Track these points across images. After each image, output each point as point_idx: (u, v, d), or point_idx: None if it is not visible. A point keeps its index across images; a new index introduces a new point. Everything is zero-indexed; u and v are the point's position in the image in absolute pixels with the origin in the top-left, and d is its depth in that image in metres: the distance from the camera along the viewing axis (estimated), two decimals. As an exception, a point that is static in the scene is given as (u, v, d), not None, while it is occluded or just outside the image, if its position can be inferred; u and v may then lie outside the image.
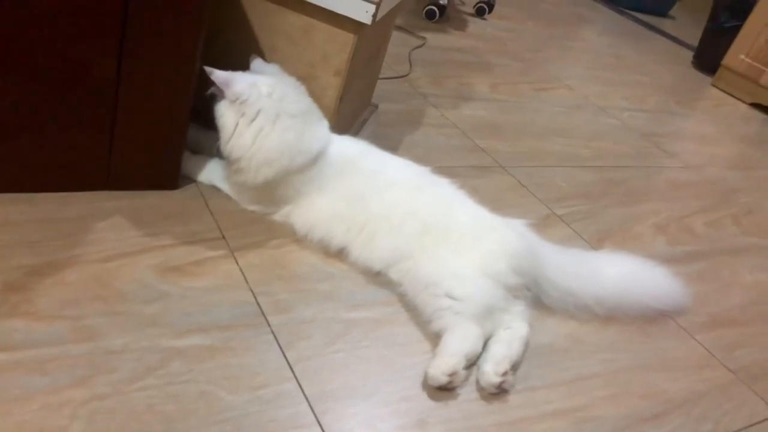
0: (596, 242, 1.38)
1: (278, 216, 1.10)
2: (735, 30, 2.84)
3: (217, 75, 1.01)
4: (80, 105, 0.95)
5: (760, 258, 1.55)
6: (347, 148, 1.13)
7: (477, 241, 1.03)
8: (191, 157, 1.13)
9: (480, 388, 0.91)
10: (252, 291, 0.95)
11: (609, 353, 1.07)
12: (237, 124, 1.03)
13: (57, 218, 0.96)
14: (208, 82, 1.02)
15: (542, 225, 1.37)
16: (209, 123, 1.10)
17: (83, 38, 0.90)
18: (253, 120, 1.03)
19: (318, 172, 1.07)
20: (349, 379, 0.86)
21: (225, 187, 1.12)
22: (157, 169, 1.07)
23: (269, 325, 0.90)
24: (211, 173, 1.13)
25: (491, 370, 0.90)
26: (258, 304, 0.93)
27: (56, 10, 0.86)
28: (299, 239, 1.08)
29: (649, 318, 1.18)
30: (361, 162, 1.11)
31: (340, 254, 1.07)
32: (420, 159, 1.16)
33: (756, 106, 2.78)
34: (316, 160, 1.07)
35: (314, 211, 1.07)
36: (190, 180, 1.13)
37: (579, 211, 1.49)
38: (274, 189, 1.07)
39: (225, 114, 1.04)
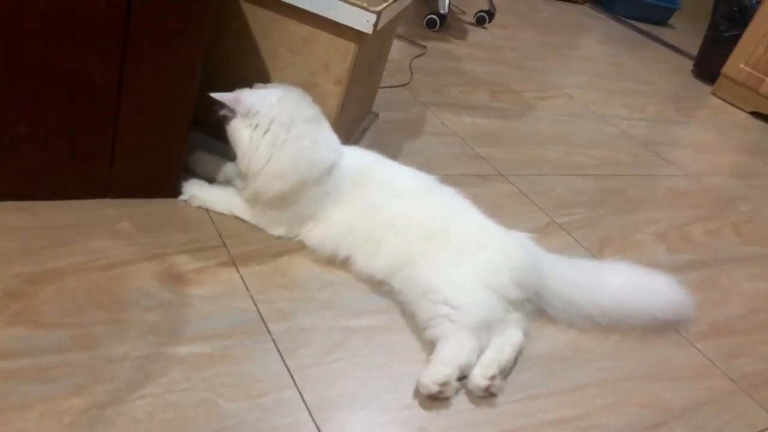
0: (596, 250, 1.38)
1: (302, 236, 1.08)
2: (734, 39, 2.85)
3: (225, 95, 1.01)
4: (82, 113, 0.95)
5: (761, 267, 1.55)
6: (359, 159, 1.13)
7: (480, 251, 1.03)
8: (205, 186, 1.11)
9: (469, 392, 0.91)
10: (252, 299, 0.95)
11: (609, 362, 1.06)
12: (251, 138, 1.02)
13: (58, 226, 0.96)
14: (217, 104, 1.02)
15: (542, 233, 1.37)
16: (211, 131, 1.11)
17: (85, 46, 0.90)
18: (267, 130, 1.01)
19: (335, 184, 1.06)
20: (349, 386, 0.86)
21: (247, 215, 1.09)
22: (159, 176, 1.07)
23: (269, 333, 0.90)
24: (230, 204, 1.09)
25: (479, 373, 0.90)
26: (258, 311, 0.93)
27: (58, 18, 0.87)
28: (300, 247, 1.08)
29: (650, 327, 1.18)
30: (373, 173, 1.11)
31: (343, 263, 1.07)
32: (420, 167, 1.16)
33: (756, 114, 2.79)
34: (330, 170, 1.06)
35: (332, 225, 1.06)
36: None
37: (579, 219, 1.49)
38: (294, 205, 1.06)
39: (238, 130, 1.02)
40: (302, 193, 1.04)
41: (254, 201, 1.07)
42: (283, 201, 1.05)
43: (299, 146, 1.03)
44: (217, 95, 1.01)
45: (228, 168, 1.14)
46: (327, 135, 1.09)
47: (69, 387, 0.74)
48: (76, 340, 0.80)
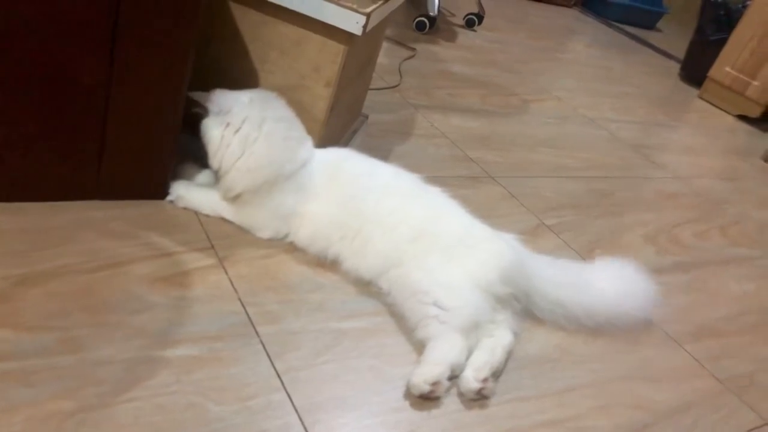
0: (585, 252, 1.38)
1: (291, 235, 1.08)
2: (721, 43, 2.88)
3: (199, 94, 1.04)
4: (69, 114, 0.94)
5: (747, 268, 1.56)
6: (332, 154, 1.15)
7: (468, 251, 1.03)
8: (191, 188, 1.11)
9: (460, 394, 0.91)
10: (241, 301, 0.95)
11: (599, 363, 1.07)
12: (223, 136, 1.04)
13: (45, 228, 0.95)
14: (192, 102, 1.04)
15: (532, 235, 1.38)
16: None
17: (73, 47, 0.89)
18: (238, 129, 1.04)
19: (309, 179, 1.08)
20: (339, 389, 0.86)
21: (232, 216, 1.09)
22: (147, 178, 1.07)
23: (258, 336, 0.90)
24: (216, 206, 1.09)
25: (471, 375, 0.90)
26: (247, 314, 0.93)
27: (45, 19, 0.86)
28: (289, 249, 1.08)
29: (639, 328, 1.18)
30: (347, 165, 1.13)
31: (332, 264, 1.06)
32: (410, 169, 1.16)
33: (742, 117, 2.81)
34: (304, 166, 1.07)
35: (317, 221, 1.07)
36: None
37: (568, 222, 1.50)
38: (270, 201, 1.06)
39: (211, 128, 1.05)
40: (275, 188, 1.05)
41: (230, 198, 1.07)
42: (256, 197, 1.06)
43: (271, 143, 1.05)
44: (191, 94, 1.03)
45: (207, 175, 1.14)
46: (299, 133, 1.10)
47: (55, 390, 0.73)
48: (62, 343, 0.79)
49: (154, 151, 1.05)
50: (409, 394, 0.88)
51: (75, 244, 0.94)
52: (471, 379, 0.90)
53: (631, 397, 1.02)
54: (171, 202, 1.09)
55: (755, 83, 2.75)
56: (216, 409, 0.77)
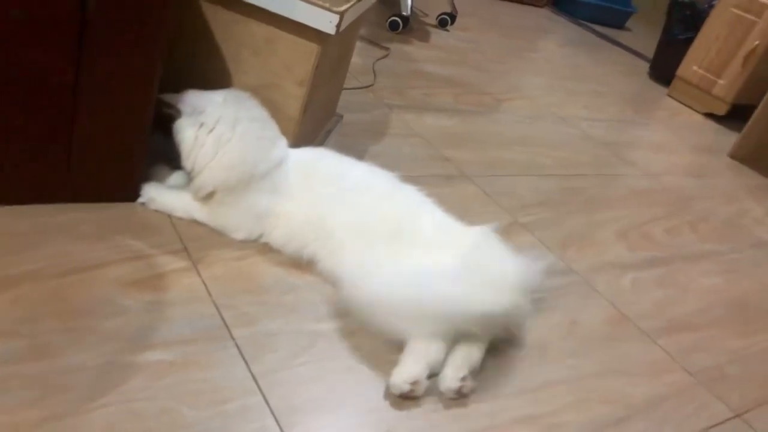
0: (559, 249, 1.40)
1: (265, 236, 1.08)
2: (688, 42, 2.93)
3: (171, 96, 1.03)
4: (36, 115, 0.92)
5: (716, 263, 1.59)
6: (307, 154, 1.15)
7: (443, 250, 1.03)
8: (163, 190, 1.09)
9: (439, 393, 0.91)
10: (215, 304, 0.94)
11: (573, 359, 1.08)
12: (197, 137, 1.03)
13: (12, 232, 0.93)
14: (164, 104, 1.03)
15: (506, 233, 1.38)
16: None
17: (39, 47, 0.87)
18: (212, 129, 1.03)
19: (285, 179, 1.07)
20: (316, 391, 0.85)
21: (205, 218, 1.07)
22: (117, 180, 1.05)
23: (233, 339, 0.89)
24: (189, 207, 1.07)
25: (451, 374, 0.91)
26: (221, 317, 0.92)
27: (11, 18, 0.84)
28: (263, 250, 1.07)
29: (612, 324, 1.20)
30: (322, 164, 1.12)
31: (307, 265, 1.06)
32: (385, 168, 1.16)
33: (709, 115, 2.87)
34: (278, 166, 1.07)
35: (291, 220, 1.06)
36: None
37: (542, 219, 1.51)
38: (243, 201, 1.05)
39: (184, 129, 1.04)
40: (249, 188, 1.05)
41: (202, 199, 1.06)
42: (229, 197, 1.05)
43: (244, 142, 1.04)
44: (163, 96, 1.02)
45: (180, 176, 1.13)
46: (272, 133, 1.10)
47: (24, 399, 0.71)
48: (31, 349, 0.77)
49: (125, 153, 1.03)
50: (387, 394, 0.88)
51: (44, 248, 0.92)
52: (450, 378, 0.90)
53: (606, 392, 1.03)
54: (142, 204, 1.07)
55: (721, 82, 2.81)
56: (191, 414, 0.76)
